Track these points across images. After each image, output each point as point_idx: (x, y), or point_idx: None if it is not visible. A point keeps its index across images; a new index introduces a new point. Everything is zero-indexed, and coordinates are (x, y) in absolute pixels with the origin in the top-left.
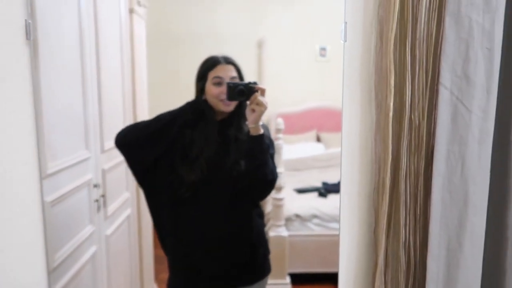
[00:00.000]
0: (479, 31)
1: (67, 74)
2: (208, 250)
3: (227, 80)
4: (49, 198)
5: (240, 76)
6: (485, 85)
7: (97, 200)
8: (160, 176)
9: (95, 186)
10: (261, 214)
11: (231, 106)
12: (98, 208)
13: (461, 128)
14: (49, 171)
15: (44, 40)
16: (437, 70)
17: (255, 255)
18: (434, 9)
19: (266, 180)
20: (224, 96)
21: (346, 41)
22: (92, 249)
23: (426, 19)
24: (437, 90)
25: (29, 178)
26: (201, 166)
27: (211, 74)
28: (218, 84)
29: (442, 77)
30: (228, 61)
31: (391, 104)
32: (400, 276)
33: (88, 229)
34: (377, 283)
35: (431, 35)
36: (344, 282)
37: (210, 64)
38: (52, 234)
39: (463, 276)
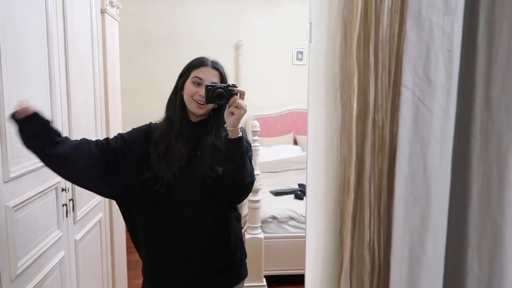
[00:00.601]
0: (439, 33)
1: (33, 77)
2: (184, 254)
3: (207, 83)
4: (11, 203)
5: (223, 83)
6: (445, 85)
7: (65, 204)
8: (135, 174)
9: (63, 190)
10: (238, 218)
11: (202, 109)
12: (67, 213)
13: (422, 128)
14: (12, 175)
15: (8, 39)
16: (399, 71)
17: (232, 259)
18: (396, 10)
19: (245, 183)
20: (198, 97)
21: (311, 41)
22: (59, 255)
23: (388, 20)
24: (399, 91)
25: None
26: (173, 164)
27: (194, 73)
28: (197, 84)
29: (404, 78)
30: (215, 66)
31: (355, 104)
32: (364, 277)
33: (55, 234)
34: (342, 284)
35: (394, 36)
36: (310, 283)
37: (196, 63)
38: (15, 240)
39: (425, 277)
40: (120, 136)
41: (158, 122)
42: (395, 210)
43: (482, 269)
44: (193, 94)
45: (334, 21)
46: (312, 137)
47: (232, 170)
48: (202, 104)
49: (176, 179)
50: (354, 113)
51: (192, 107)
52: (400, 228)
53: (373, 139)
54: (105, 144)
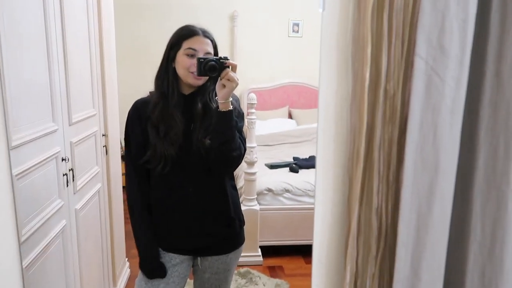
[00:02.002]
0: (454, 2)
1: (31, 44)
2: (186, 221)
3: (202, 54)
4: (14, 171)
5: (216, 53)
6: (459, 56)
7: (65, 174)
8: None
9: (63, 159)
10: (235, 187)
11: (200, 80)
12: (67, 182)
13: (434, 98)
14: (14, 143)
15: (4, 8)
16: (413, 40)
17: (231, 226)
18: None
19: (232, 155)
20: (194, 69)
21: (324, 9)
22: (61, 223)
23: None
24: (412, 60)
25: None
26: (171, 140)
27: (186, 44)
28: (191, 56)
29: (418, 48)
30: (206, 34)
31: (367, 74)
32: (371, 241)
33: (57, 203)
34: (349, 249)
35: (408, 5)
36: (318, 247)
37: (186, 33)
38: (19, 208)
39: (431, 239)
40: (129, 140)
41: (146, 97)
42: (405, 176)
43: (484, 234)
44: (189, 67)
45: None
46: (322, 106)
47: (220, 142)
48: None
49: (177, 155)
50: (366, 83)
51: (189, 79)
52: (409, 193)
53: (384, 108)
54: (139, 165)
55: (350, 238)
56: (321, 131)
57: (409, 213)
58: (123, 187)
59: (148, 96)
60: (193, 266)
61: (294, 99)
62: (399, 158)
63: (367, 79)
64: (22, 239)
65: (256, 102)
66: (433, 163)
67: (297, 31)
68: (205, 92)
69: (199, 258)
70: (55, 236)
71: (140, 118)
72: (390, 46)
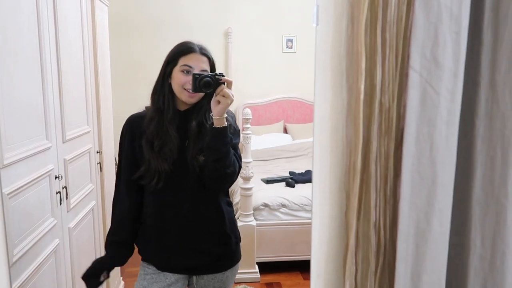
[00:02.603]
0: (447, 15)
1: (24, 60)
2: (181, 238)
3: (197, 71)
4: (6, 190)
5: (212, 70)
6: (452, 68)
7: (58, 192)
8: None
9: (57, 177)
10: (230, 203)
11: (194, 98)
12: (60, 200)
13: (429, 110)
14: (6, 161)
15: None
16: (406, 53)
17: (227, 243)
18: None
19: (226, 172)
20: (189, 86)
21: (318, 24)
22: (54, 242)
23: (396, 2)
24: (406, 73)
25: None
26: (166, 156)
27: (182, 61)
28: (187, 72)
29: (412, 60)
30: (203, 52)
31: (362, 87)
32: (370, 256)
33: (49, 222)
34: (348, 264)
35: (401, 18)
36: (316, 262)
37: (183, 50)
38: (11, 227)
39: (431, 253)
40: (122, 159)
41: (141, 112)
42: (402, 189)
43: (484, 246)
44: (183, 83)
45: (341, 4)
46: (318, 120)
47: (214, 158)
48: (193, 93)
49: (171, 171)
50: (361, 96)
51: (183, 96)
52: (407, 207)
53: (379, 121)
54: (132, 180)
55: (348, 253)
56: (317, 144)
57: (408, 227)
58: None
59: (143, 111)
60: (188, 285)
61: (289, 113)
62: (396, 171)
63: (362, 92)
64: (14, 259)
65: (251, 117)
66: (430, 175)
67: (291, 47)
68: (200, 110)
69: (194, 277)
70: (47, 255)
71: (134, 132)
72: (384, 59)
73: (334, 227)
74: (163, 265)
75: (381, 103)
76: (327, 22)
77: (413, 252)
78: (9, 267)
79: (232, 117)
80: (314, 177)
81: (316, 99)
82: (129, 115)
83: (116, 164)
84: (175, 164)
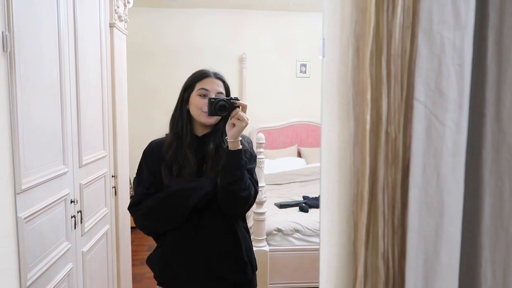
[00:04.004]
0: (450, 47)
1: (45, 88)
2: (197, 264)
3: (213, 94)
4: (23, 214)
5: (227, 93)
6: (457, 99)
7: (73, 216)
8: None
9: (72, 201)
10: (247, 230)
11: (212, 119)
12: (75, 224)
13: (435, 141)
14: (24, 186)
15: (21, 53)
16: (411, 85)
17: (245, 271)
18: (407, 26)
19: (240, 196)
20: (206, 109)
21: (324, 56)
22: (68, 267)
23: (400, 36)
24: (411, 104)
25: (3, 193)
26: (184, 180)
27: (198, 85)
28: (204, 96)
29: (417, 92)
30: (218, 76)
31: (368, 117)
32: (379, 287)
33: (64, 246)
34: None
35: (405, 51)
36: None
37: (199, 76)
38: (26, 251)
39: (440, 285)
40: (146, 170)
41: (161, 138)
42: (410, 221)
43: (495, 280)
44: (201, 106)
45: (346, 37)
46: (325, 149)
47: (228, 181)
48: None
49: None
50: (368, 126)
51: (202, 118)
52: (415, 238)
53: (386, 151)
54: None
55: (357, 284)
56: (325, 173)
57: (416, 259)
58: (132, 228)
59: (163, 137)
60: None
61: (303, 137)
62: (403, 201)
63: (368, 122)
64: (28, 283)
65: (264, 141)
66: (437, 207)
67: (305, 72)
68: (217, 133)
69: None
70: (61, 279)
71: (154, 156)
72: (389, 90)
73: (342, 257)
74: None
75: (387, 133)
76: (333, 53)
77: (422, 285)
78: None
79: (248, 142)
80: (322, 205)
81: (323, 128)
82: (144, 140)
83: (131, 187)
84: None
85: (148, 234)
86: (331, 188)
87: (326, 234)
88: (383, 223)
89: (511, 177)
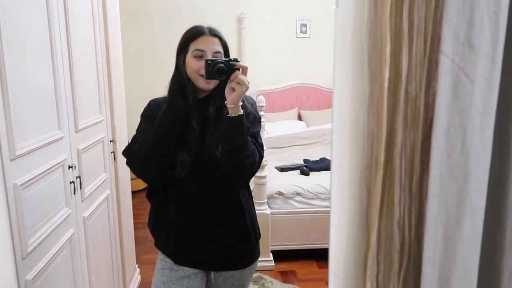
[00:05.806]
0: None
1: (35, 51)
2: (200, 230)
3: (210, 54)
4: (19, 181)
5: (226, 52)
6: (489, 53)
7: (72, 182)
8: None
9: (70, 167)
10: (251, 197)
11: (211, 84)
12: (74, 190)
13: (462, 99)
14: (18, 152)
15: (6, 14)
16: (436, 37)
17: (248, 239)
18: None
19: (244, 163)
20: (203, 72)
21: (338, 6)
22: (69, 232)
23: None
24: (436, 59)
25: None
26: (192, 149)
27: (193, 46)
28: (200, 57)
29: (443, 45)
30: (214, 33)
31: (386, 75)
32: (393, 256)
33: (64, 212)
34: (369, 264)
35: None
36: (335, 261)
37: (192, 34)
38: (25, 218)
39: (461, 255)
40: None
41: (160, 98)
42: (430, 186)
43: None
44: (198, 69)
45: None
46: (337, 110)
47: (229, 149)
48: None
49: (190, 163)
50: (385, 85)
51: (200, 83)
52: (435, 205)
53: (405, 112)
54: None
55: (369, 253)
56: (336, 135)
57: (436, 227)
58: (132, 192)
59: (163, 97)
60: (207, 281)
61: (303, 100)
62: (423, 166)
63: (386, 80)
64: (28, 249)
65: (265, 104)
66: (462, 171)
67: (305, 32)
68: (217, 95)
69: (212, 273)
70: (63, 245)
71: (154, 116)
72: (411, 44)
73: (353, 224)
74: (181, 257)
75: (407, 92)
76: (347, 3)
77: (441, 253)
78: (16, 260)
79: (252, 104)
80: (333, 170)
81: (335, 88)
82: (141, 103)
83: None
84: (197, 154)
85: (145, 179)
86: (342, 151)
87: (336, 200)
88: (400, 189)
89: None
